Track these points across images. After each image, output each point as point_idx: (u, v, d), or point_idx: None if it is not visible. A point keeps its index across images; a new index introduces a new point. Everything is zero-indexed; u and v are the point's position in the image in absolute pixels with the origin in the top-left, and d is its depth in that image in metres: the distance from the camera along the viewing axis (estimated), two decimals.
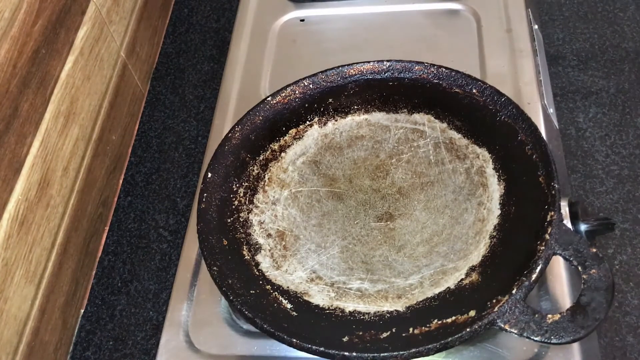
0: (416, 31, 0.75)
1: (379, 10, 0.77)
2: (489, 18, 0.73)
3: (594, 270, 0.46)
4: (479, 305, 0.47)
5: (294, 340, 0.47)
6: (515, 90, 0.67)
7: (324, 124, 0.64)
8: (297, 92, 0.63)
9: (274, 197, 0.60)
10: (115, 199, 0.78)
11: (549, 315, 0.45)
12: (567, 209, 0.53)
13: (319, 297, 0.53)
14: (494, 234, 0.54)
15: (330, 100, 0.63)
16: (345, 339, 0.48)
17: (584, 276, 0.46)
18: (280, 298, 0.53)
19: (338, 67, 0.62)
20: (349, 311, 0.52)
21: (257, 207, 0.59)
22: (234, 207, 0.59)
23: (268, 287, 0.54)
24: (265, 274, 0.55)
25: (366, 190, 0.59)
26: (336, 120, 0.64)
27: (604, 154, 0.73)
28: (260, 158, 0.62)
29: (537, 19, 0.79)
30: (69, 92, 0.67)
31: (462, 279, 0.52)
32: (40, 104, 0.63)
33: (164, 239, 0.73)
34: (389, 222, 0.57)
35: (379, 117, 0.64)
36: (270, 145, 0.63)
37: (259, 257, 0.56)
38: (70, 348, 0.68)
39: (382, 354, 0.46)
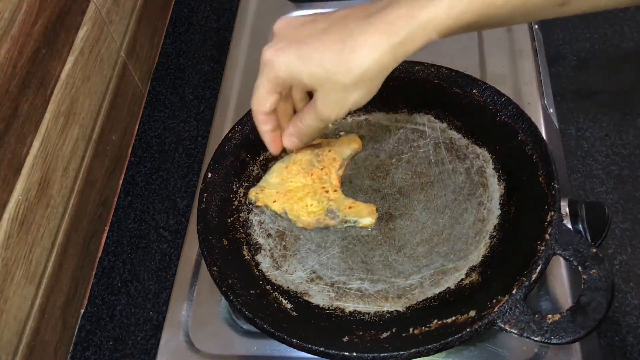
0: None
1: None
2: None
3: (594, 270, 0.46)
4: (479, 305, 0.47)
5: (294, 340, 0.47)
6: (515, 90, 0.67)
7: None
8: None
9: None
10: (115, 199, 0.78)
11: (549, 315, 0.45)
12: (567, 209, 0.53)
13: (319, 297, 0.53)
14: (494, 234, 0.54)
15: None
16: (345, 339, 0.48)
17: (584, 276, 0.46)
18: (280, 298, 0.53)
19: None
20: (349, 311, 0.52)
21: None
22: (234, 207, 0.59)
23: (268, 287, 0.54)
24: (265, 274, 0.55)
25: (366, 190, 0.59)
26: (336, 121, 0.64)
27: (604, 154, 0.73)
28: (260, 158, 0.62)
29: None
30: (69, 92, 0.67)
31: (462, 279, 0.52)
32: (40, 104, 0.62)
33: (164, 239, 0.73)
34: (389, 222, 0.57)
35: (379, 117, 0.64)
36: None
37: (259, 257, 0.56)
38: (70, 348, 0.68)
39: (382, 354, 0.46)
